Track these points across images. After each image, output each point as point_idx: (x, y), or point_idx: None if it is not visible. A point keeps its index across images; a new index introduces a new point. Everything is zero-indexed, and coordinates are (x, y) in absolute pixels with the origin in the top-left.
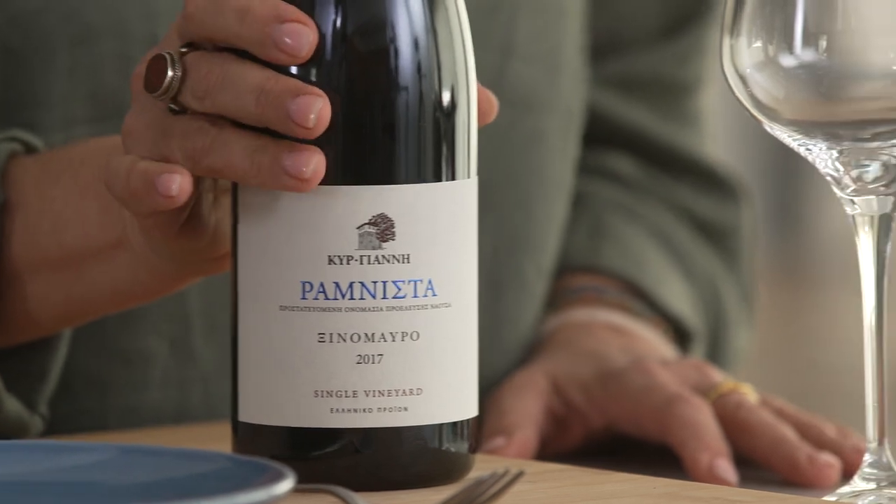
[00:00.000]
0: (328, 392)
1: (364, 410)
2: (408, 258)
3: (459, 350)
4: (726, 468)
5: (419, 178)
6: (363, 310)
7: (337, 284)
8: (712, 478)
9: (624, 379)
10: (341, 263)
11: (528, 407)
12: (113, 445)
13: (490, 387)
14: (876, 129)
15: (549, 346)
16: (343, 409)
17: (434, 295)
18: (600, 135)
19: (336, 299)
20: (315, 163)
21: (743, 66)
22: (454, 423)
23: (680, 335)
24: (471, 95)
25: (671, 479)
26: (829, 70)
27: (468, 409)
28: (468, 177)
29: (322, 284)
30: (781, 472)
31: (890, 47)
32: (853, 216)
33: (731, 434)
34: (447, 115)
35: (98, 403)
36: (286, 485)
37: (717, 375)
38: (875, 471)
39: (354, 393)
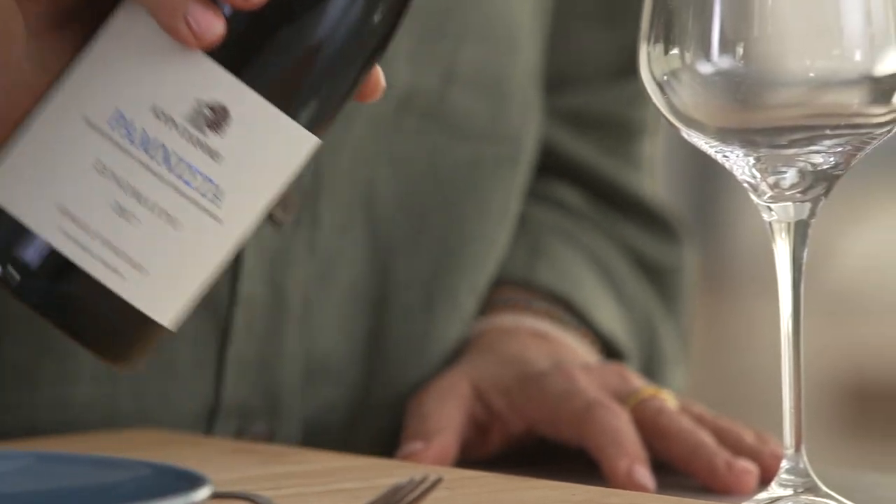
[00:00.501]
0: (70, 213)
1: (85, 248)
2: (219, 159)
3: (199, 265)
4: (644, 474)
5: (279, 102)
6: (151, 171)
7: (145, 134)
8: (631, 484)
9: (544, 383)
10: (161, 120)
11: (449, 413)
12: (30, 453)
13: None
14: (792, 135)
15: (473, 350)
16: (70, 235)
17: (215, 205)
18: (549, 165)
19: (135, 145)
20: (215, 29)
21: (660, 73)
22: (147, 318)
23: (610, 354)
24: (365, 70)
25: (590, 485)
26: (746, 77)
27: (166, 317)
28: (311, 130)
29: (133, 124)
30: (700, 477)
31: (806, 54)
32: (770, 223)
33: (651, 440)
34: (332, 65)
35: (28, 397)
36: (204, 492)
37: (638, 381)
38: (792, 477)
39: (89, 230)
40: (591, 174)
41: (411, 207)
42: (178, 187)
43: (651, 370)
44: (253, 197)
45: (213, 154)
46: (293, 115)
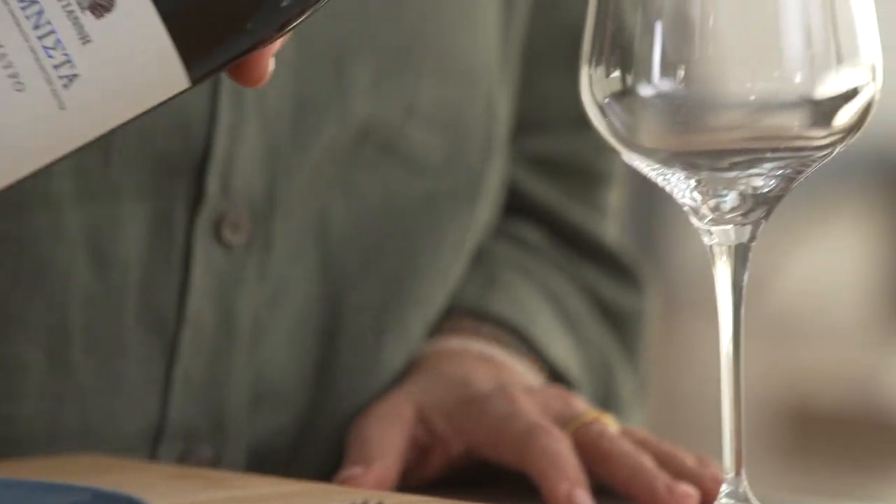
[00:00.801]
0: None
1: None
2: (87, 44)
3: (22, 144)
4: (584, 498)
5: (169, 24)
6: (18, 25)
7: None
8: None
9: (486, 405)
10: None
11: (390, 436)
12: None
13: None
14: (733, 158)
15: (417, 372)
16: None
17: (65, 88)
18: (514, 206)
19: None
20: None
21: (601, 96)
22: None
23: (559, 384)
24: (262, 38)
25: None
26: (687, 99)
27: None
28: (186, 70)
29: None
30: (641, 501)
31: (747, 77)
32: (711, 246)
33: (592, 463)
34: (232, 18)
35: None
36: None
37: (581, 405)
38: (732, 501)
39: None
40: (555, 217)
41: (365, 237)
42: (36, 52)
43: (607, 410)
44: (103, 102)
45: (83, 36)
46: (177, 44)
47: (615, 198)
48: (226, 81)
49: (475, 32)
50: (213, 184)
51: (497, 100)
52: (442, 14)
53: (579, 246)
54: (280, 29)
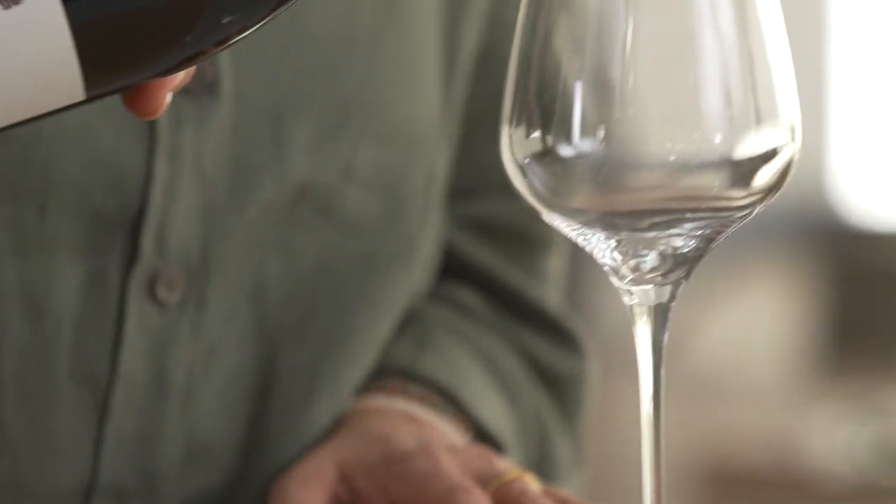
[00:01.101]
0: None
1: None
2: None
3: None
4: None
5: (76, 31)
6: None
7: None
8: None
9: (408, 463)
10: None
11: (312, 497)
12: None
13: None
14: (653, 218)
15: (342, 430)
16: None
17: None
18: (451, 268)
19: None
20: None
21: (522, 156)
22: None
23: (490, 445)
24: (163, 66)
25: None
26: (607, 160)
27: None
28: (84, 82)
29: None
30: None
31: (667, 137)
32: (631, 306)
33: None
34: (141, 40)
35: None
36: None
37: (503, 463)
38: None
39: None
40: (493, 280)
41: (300, 298)
42: None
43: (543, 474)
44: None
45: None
46: (80, 52)
47: (556, 263)
48: (163, 138)
49: (415, 96)
50: (147, 241)
51: (436, 163)
52: (382, 77)
53: (517, 309)
54: (183, 63)
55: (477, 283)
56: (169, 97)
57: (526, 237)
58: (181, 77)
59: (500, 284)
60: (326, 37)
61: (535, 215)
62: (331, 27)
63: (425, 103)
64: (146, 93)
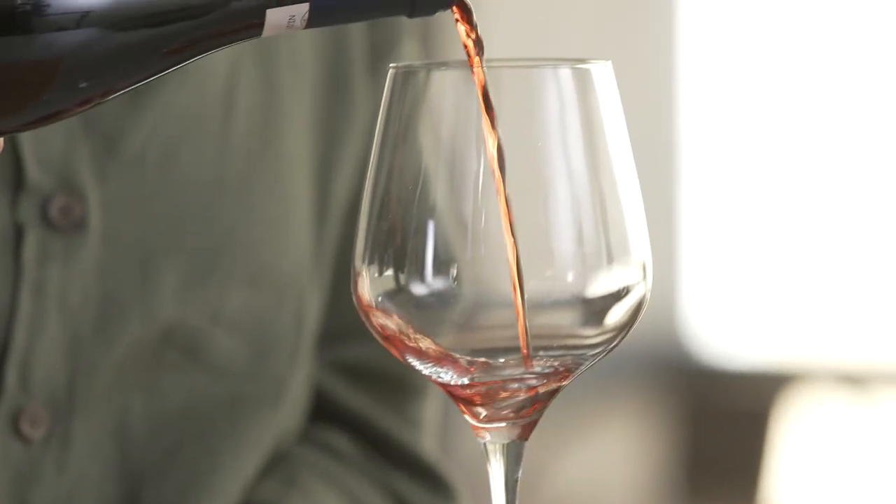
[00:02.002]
0: None
1: None
2: None
3: None
4: None
5: None
6: None
7: None
8: None
9: None
10: None
11: None
12: None
13: None
14: (507, 356)
15: None
16: None
17: None
18: (324, 412)
19: None
20: None
21: (375, 295)
22: None
23: None
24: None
25: None
26: (460, 298)
27: None
28: None
29: None
30: None
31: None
32: (485, 444)
33: None
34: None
35: None
36: None
37: None
38: None
39: None
40: (363, 424)
41: (165, 437)
42: None
43: None
44: None
45: None
46: None
47: (430, 409)
48: (28, 274)
49: (287, 241)
50: (11, 377)
51: (306, 308)
52: (252, 223)
53: (390, 455)
54: (43, 120)
55: (349, 428)
56: None
57: (399, 383)
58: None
59: (372, 429)
60: (198, 182)
61: None
62: (203, 173)
63: (295, 248)
64: None
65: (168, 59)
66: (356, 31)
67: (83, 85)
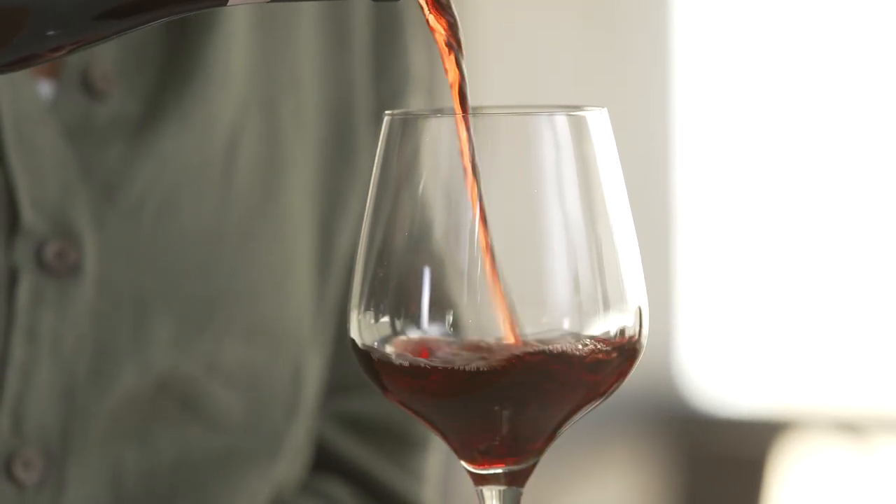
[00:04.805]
0: None
1: None
2: None
3: None
4: None
5: None
6: None
7: None
8: None
9: None
10: None
11: None
12: None
13: None
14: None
15: None
16: None
17: None
18: (325, 463)
19: None
20: None
21: (371, 340)
22: None
23: None
24: None
25: None
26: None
27: None
28: None
29: None
30: None
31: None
32: (481, 490)
33: None
34: None
35: None
36: None
37: None
38: None
39: None
40: (365, 475)
41: (158, 487)
42: None
43: None
44: None
45: None
46: None
47: (432, 462)
48: (20, 319)
49: (286, 295)
50: (3, 421)
51: (306, 363)
52: (250, 275)
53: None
54: (15, 64)
55: (350, 479)
56: None
57: (401, 436)
58: None
59: (373, 481)
60: (196, 232)
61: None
62: (201, 223)
63: (295, 303)
64: None
65: (135, 16)
66: (362, 84)
67: (51, 33)
